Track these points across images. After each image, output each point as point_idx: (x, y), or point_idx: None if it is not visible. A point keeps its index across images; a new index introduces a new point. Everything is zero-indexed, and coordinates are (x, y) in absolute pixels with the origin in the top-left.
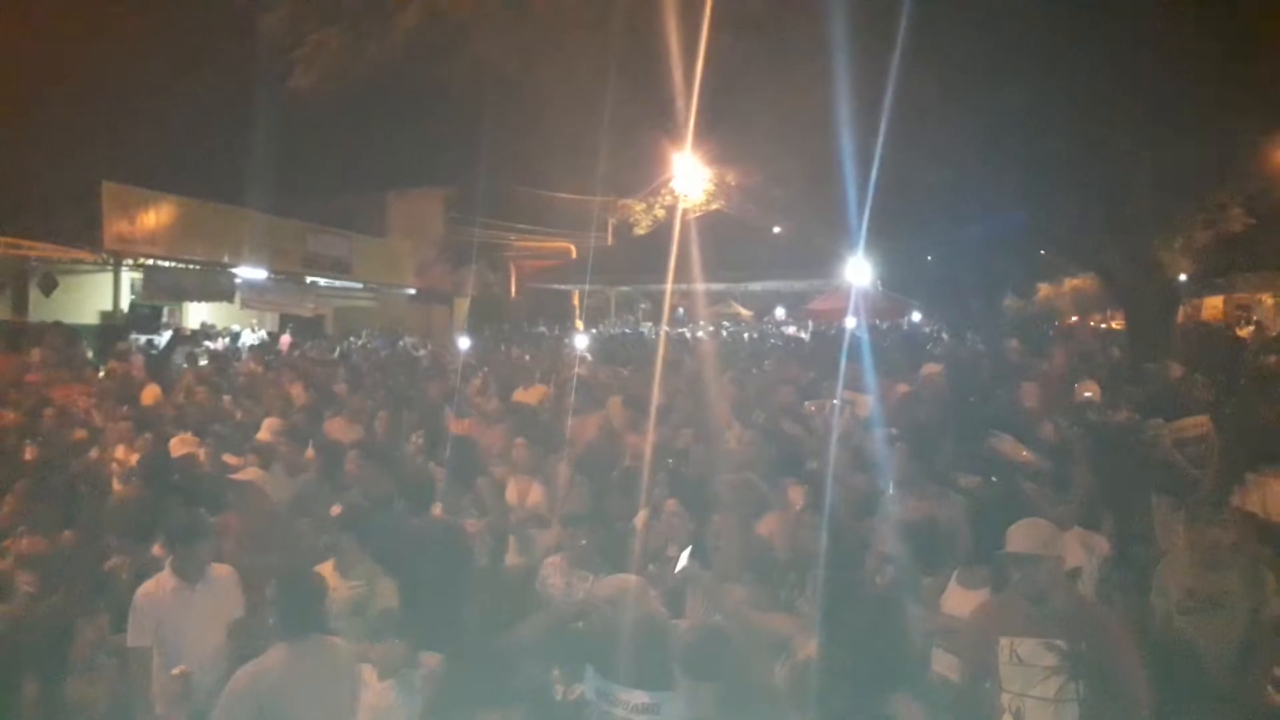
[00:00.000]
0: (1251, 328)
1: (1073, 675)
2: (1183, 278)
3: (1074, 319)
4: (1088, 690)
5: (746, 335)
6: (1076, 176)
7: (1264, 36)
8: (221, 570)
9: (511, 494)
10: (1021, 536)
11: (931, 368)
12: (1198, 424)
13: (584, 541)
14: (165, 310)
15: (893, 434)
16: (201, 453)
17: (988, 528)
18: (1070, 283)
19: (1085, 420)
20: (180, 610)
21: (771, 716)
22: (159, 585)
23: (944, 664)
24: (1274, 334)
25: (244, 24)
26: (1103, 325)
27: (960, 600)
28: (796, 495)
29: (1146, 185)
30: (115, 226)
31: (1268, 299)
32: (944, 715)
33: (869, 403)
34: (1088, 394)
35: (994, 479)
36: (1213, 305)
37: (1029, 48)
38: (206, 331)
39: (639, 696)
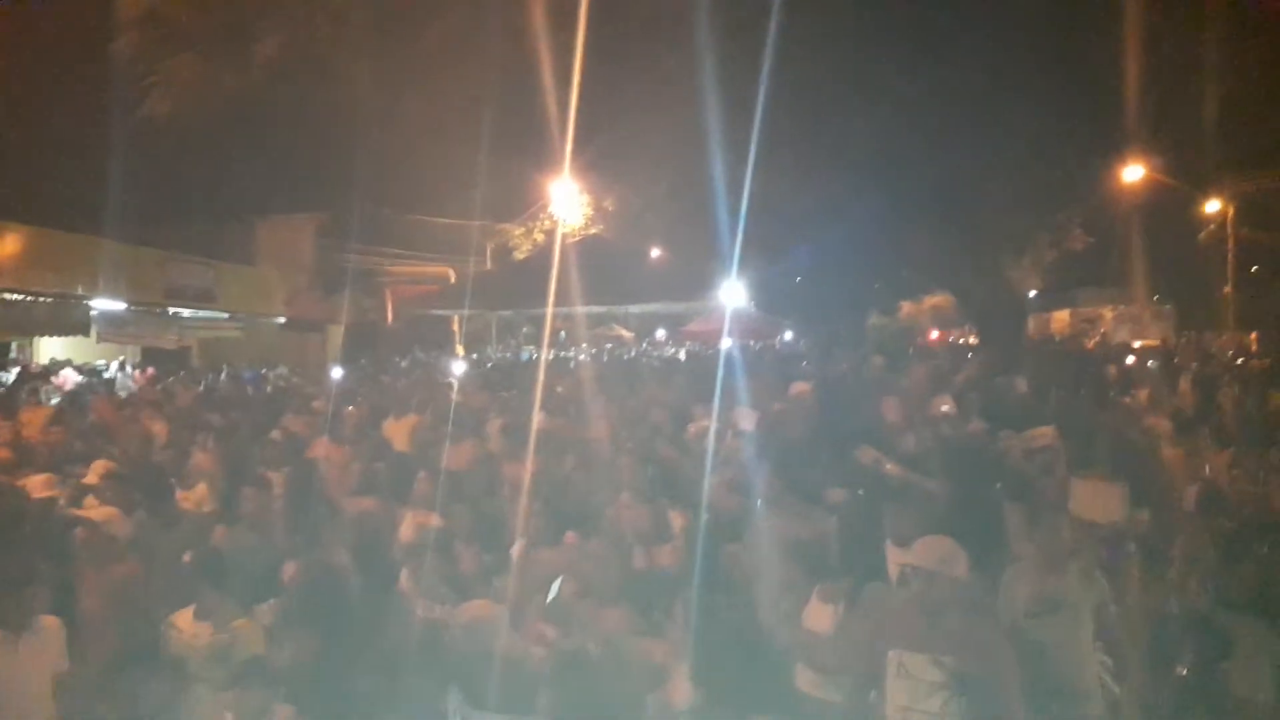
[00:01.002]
0: (1096, 338)
1: (958, 691)
2: (1032, 294)
3: (934, 334)
4: (969, 705)
5: (626, 357)
6: (930, 199)
7: (1103, 67)
8: (49, 621)
9: (405, 530)
10: (926, 550)
11: (800, 386)
12: (1044, 434)
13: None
14: (14, 346)
15: (763, 454)
16: (57, 494)
17: (854, 541)
18: (930, 300)
19: (940, 433)
20: (3, 660)
21: None
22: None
23: (807, 680)
24: (1113, 344)
25: (98, 47)
26: (961, 340)
27: (820, 615)
28: (673, 519)
29: (995, 207)
30: None
31: (1108, 312)
32: None
33: (742, 422)
34: (944, 408)
35: (860, 491)
36: (1060, 319)
37: (885, 76)
38: (54, 367)
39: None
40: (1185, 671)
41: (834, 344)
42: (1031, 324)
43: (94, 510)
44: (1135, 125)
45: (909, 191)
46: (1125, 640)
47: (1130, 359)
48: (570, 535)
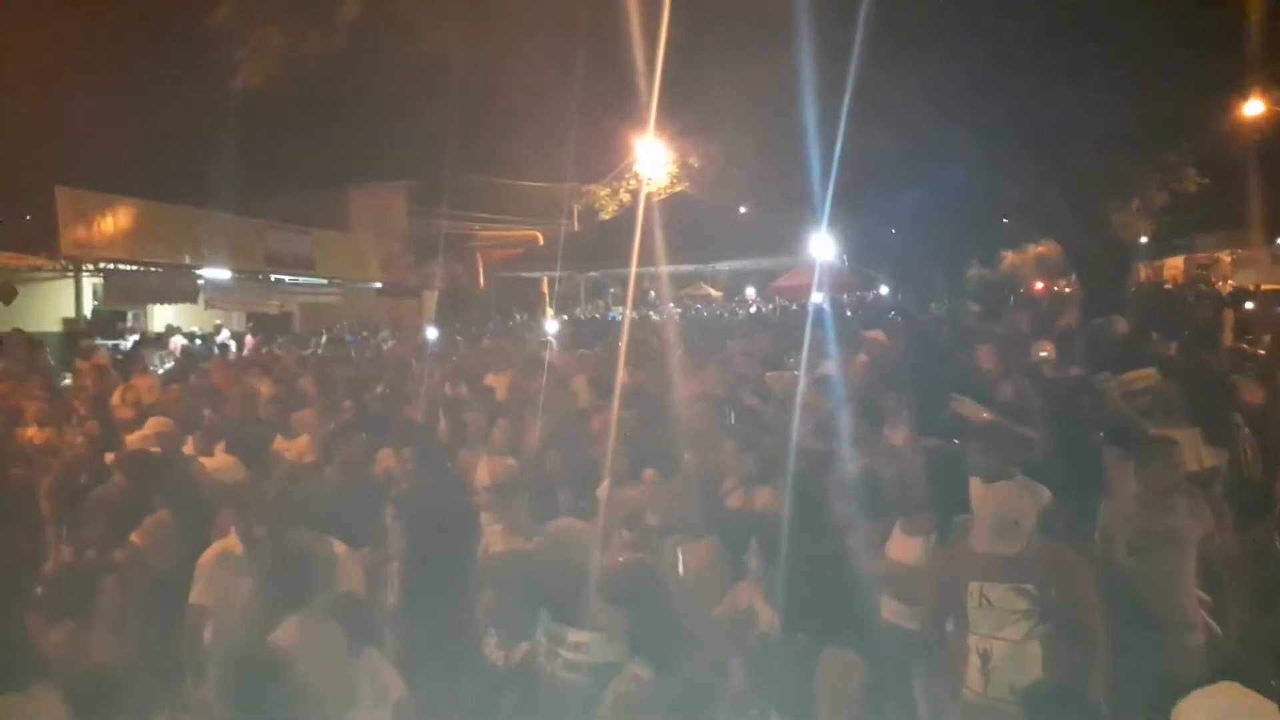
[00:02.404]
0: (1212, 283)
1: (1041, 618)
2: (1143, 240)
3: (1039, 285)
4: (1053, 630)
5: (714, 314)
6: (1028, 142)
7: None
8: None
9: (483, 473)
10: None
11: (877, 333)
12: (1145, 376)
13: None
14: (130, 315)
15: (848, 398)
16: (176, 447)
17: (941, 477)
18: (1034, 250)
19: (1039, 378)
20: (241, 573)
21: (699, 661)
22: (229, 546)
23: (892, 610)
24: (1229, 289)
25: (194, 23)
26: (1067, 290)
27: (904, 547)
28: (754, 459)
29: (1098, 149)
30: (72, 232)
31: (1225, 257)
32: (896, 661)
33: (828, 372)
34: (1043, 354)
35: (955, 441)
36: (1173, 265)
37: (976, 15)
38: (172, 333)
39: (576, 635)
40: None
41: (930, 295)
42: (1143, 272)
43: (210, 460)
44: (1252, 55)
45: (1006, 136)
46: (1229, 578)
47: (1249, 304)
48: (650, 472)
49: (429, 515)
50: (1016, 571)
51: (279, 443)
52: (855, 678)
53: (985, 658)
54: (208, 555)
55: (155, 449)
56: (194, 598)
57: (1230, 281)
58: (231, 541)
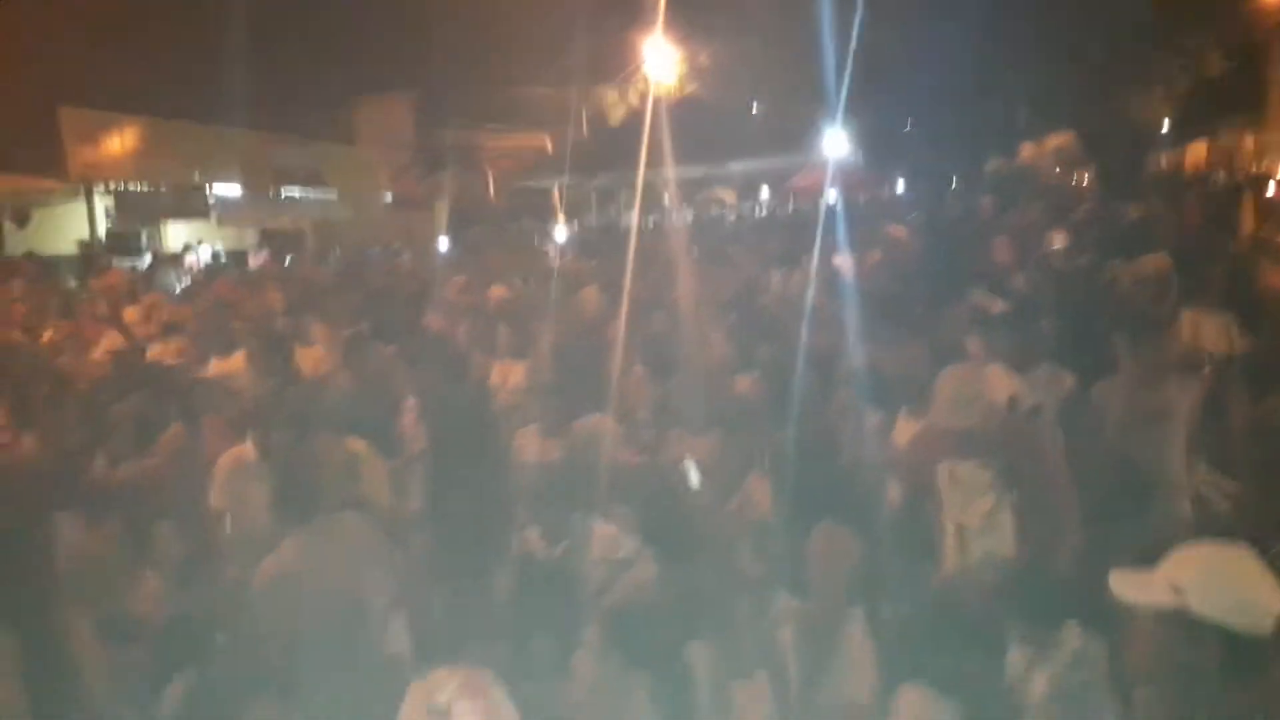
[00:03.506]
0: (1234, 169)
1: (1007, 488)
2: (1164, 127)
3: (1057, 176)
4: (1021, 501)
5: (725, 217)
6: (1047, 31)
7: None
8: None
9: (501, 378)
10: (947, 379)
11: (897, 229)
12: (1156, 261)
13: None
14: (144, 234)
15: (858, 295)
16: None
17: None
18: (1052, 140)
19: (1051, 267)
20: (258, 480)
21: (719, 557)
22: (240, 455)
23: (896, 494)
24: (1251, 174)
25: None
26: (1085, 180)
27: (908, 433)
28: (761, 353)
29: (1117, 35)
30: (79, 153)
31: (1249, 141)
32: (895, 541)
33: (839, 268)
34: (1057, 244)
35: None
36: (1195, 151)
37: None
38: (187, 249)
39: (606, 530)
40: None
41: (946, 190)
42: (1164, 159)
43: (219, 365)
44: None
45: (1023, 26)
46: (1231, 456)
47: (1271, 188)
48: (639, 369)
49: (450, 419)
50: (981, 447)
51: (297, 352)
52: (848, 553)
53: (961, 532)
54: (224, 460)
55: (173, 362)
56: (212, 500)
57: (1257, 167)
58: (245, 448)
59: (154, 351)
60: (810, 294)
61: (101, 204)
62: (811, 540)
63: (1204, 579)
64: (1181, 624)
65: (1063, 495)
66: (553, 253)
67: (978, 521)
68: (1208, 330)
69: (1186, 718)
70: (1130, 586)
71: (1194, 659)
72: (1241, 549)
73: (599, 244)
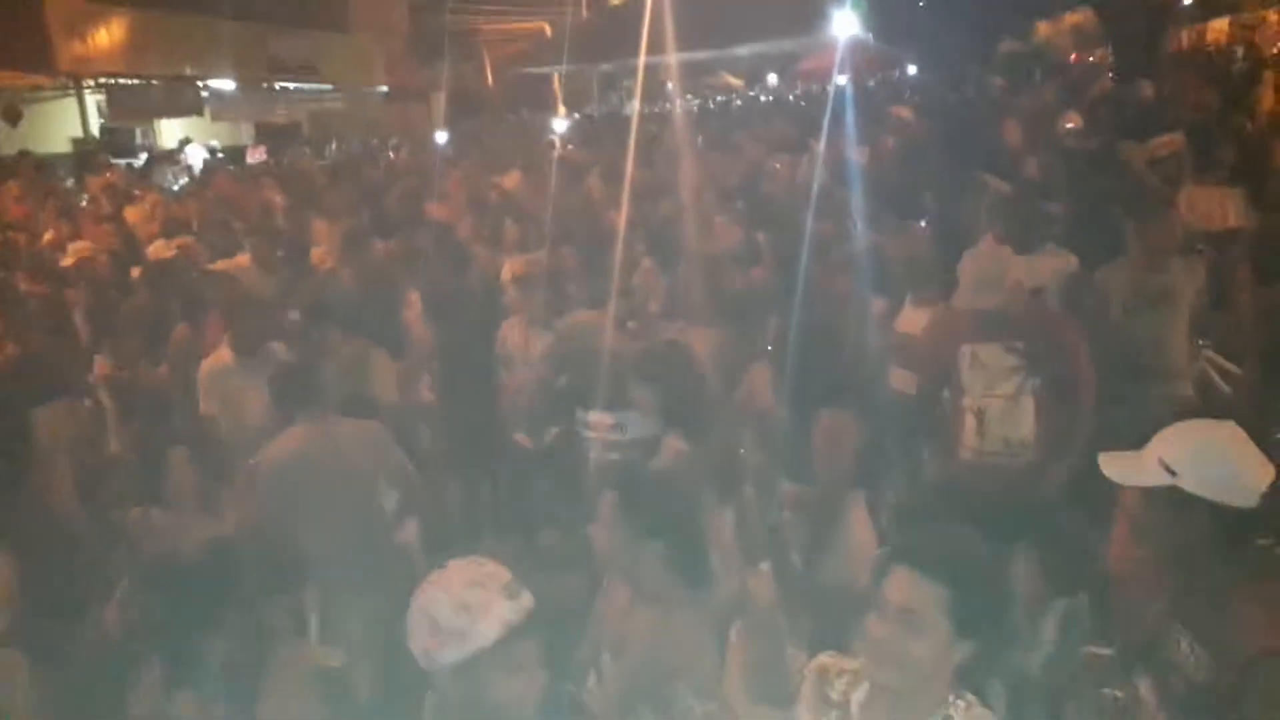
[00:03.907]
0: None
1: (1030, 372)
2: (1185, 1)
3: (1073, 56)
4: (1044, 384)
5: (732, 103)
6: None
7: None
8: (279, 346)
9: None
10: (971, 261)
11: (902, 110)
12: (1170, 141)
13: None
14: (139, 132)
15: (864, 179)
16: (190, 256)
17: (949, 248)
18: (1069, 18)
19: (1063, 148)
20: (239, 381)
21: (723, 429)
22: (219, 359)
23: (901, 380)
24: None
25: None
26: (1102, 59)
27: (913, 319)
28: (763, 240)
29: None
30: (68, 47)
31: (1272, 15)
32: (900, 426)
33: (846, 152)
34: (1070, 125)
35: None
36: (1217, 28)
37: None
38: (183, 146)
39: (607, 418)
40: None
41: (959, 72)
42: (1185, 37)
43: (226, 263)
44: None
45: None
46: (1236, 338)
47: None
48: (648, 262)
49: (454, 313)
50: (1005, 330)
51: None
52: (851, 437)
53: (980, 416)
54: (206, 365)
55: (174, 258)
56: (202, 408)
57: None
58: (224, 351)
59: (156, 250)
60: (816, 180)
61: (93, 101)
62: (815, 426)
63: (1194, 457)
64: (1174, 502)
65: (1084, 382)
66: (554, 142)
67: (999, 405)
68: (1208, 205)
69: (1181, 590)
70: (1120, 468)
71: (1186, 534)
72: (1228, 426)
73: (601, 133)
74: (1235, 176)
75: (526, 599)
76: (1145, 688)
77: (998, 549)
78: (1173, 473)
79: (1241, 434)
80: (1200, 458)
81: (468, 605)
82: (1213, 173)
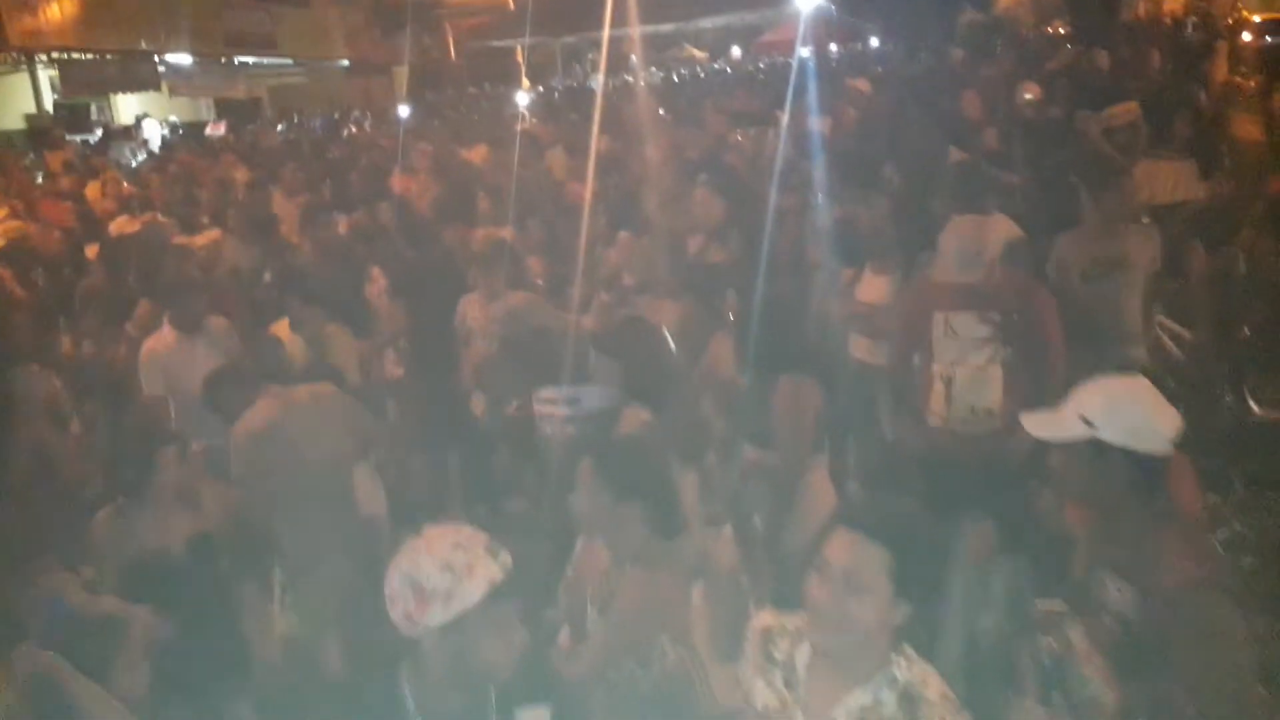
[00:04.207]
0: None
1: (1003, 342)
2: None
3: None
4: (1014, 353)
5: (695, 76)
6: None
7: None
8: (218, 322)
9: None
10: (952, 231)
11: (860, 82)
12: (1126, 111)
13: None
14: (95, 108)
15: (824, 150)
16: (153, 232)
17: (908, 216)
18: None
19: (1022, 119)
20: (182, 360)
21: (685, 399)
22: (160, 339)
23: (861, 348)
24: (1229, 23)
25: None
26: (1061, 30)
27: (873, 287)
28: (727, 212)
29: None
30: (17, 20)
31: None
32: (860, 393)
33: (807, 124)
34: (1028, 95)
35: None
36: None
37: None
38: (140, 122)
39: (561, 393)
40: (1249, 332)
41: (921, 43)
42: (1141, 6)
43: (198, 237)
44: None
45: None
46: (1188, 303)
47: (1247, 35)
48: (624, 234)
49: (417, 288)
50: (981, 299)
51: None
52: (811, 403)
53: (948, 383)
54: (146, 345)
55: (133, 233)
56: (145, 390)
57: (1237, 13)
58: (164, 332)
59: (116, 226)
60: (779, 152)
61: (45, 76)
62: (775, 392)
63: (1109, 409)
64: (1094, 452)
65: (1055, 352)
66: (517, 115)
67: (968, 373)
68: (1162, 179)
69: (1107, 534)
70: (1043, 424)
71: (1108, 482)
72: (1139, 379)
73: (565, 106)
74: (1187, 149)
75: (506, 558)
76: (1079, 632)
77: (948, 511)
78: (1091, 425)
79: (1150, 386)
80: (1115, 410)
81: (452, 566)
82: (1166, 145)
